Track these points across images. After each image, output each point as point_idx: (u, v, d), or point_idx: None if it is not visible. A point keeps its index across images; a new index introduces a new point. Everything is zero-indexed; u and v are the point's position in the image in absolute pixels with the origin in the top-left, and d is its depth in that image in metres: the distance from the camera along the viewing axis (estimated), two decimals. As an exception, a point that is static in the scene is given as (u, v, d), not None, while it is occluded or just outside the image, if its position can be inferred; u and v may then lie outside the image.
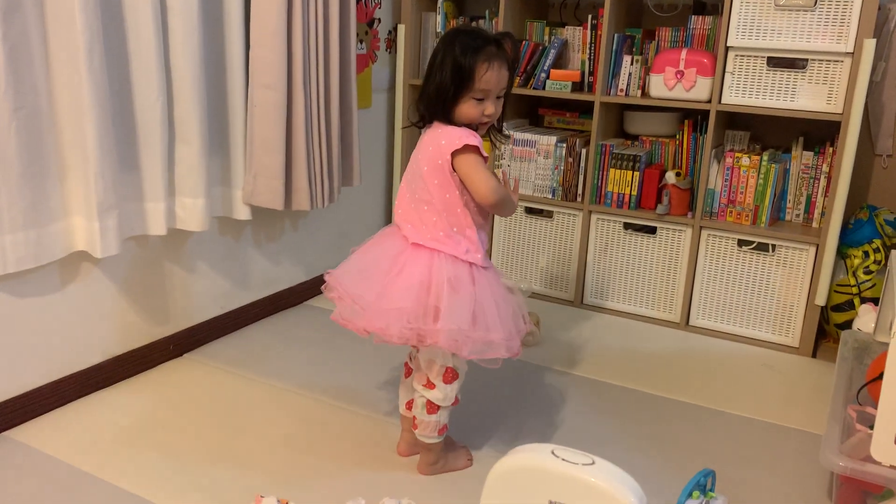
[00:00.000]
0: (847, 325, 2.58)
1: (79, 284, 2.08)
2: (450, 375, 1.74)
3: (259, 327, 2.70)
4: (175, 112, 2.17)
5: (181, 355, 2.43)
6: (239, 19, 2.32)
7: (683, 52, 2.69)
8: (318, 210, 2.67)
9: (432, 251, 1.67)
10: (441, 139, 1.68)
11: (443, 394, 1.74)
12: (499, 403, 2.21)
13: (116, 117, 2.02)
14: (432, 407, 1.75)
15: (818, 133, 2.76)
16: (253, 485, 1.77)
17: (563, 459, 1.15)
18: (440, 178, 1.68)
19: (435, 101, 1.68)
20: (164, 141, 2.11)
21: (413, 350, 1.83)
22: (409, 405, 1.85)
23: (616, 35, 2.84)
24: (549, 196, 3.01)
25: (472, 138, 1.66)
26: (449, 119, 1.69)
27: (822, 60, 2.49)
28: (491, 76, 1.65)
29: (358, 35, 2.97)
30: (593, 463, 1.15)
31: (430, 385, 1.75)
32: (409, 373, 1.87)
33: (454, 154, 1.65)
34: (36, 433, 1.94)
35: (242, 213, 2.48)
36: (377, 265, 1.68)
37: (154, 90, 2.06)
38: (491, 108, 1.69)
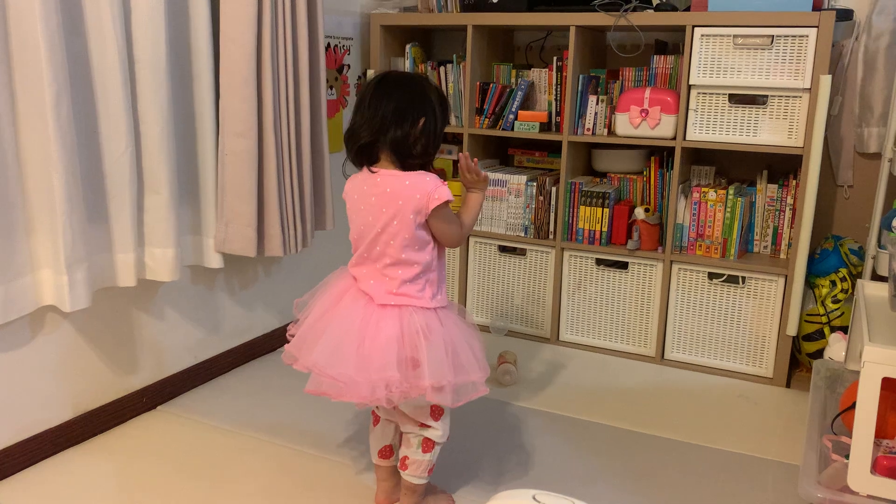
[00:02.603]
0: (819, 354, 2.61)
1: (48, 339, 2.05)
2: (437, 412, 1.73)
3: (233, 376, 2.66)
4: (144, 162, 2.16)
5: (154, 408, 2.39)
6: (208, 69, 2.33)
7: (647, 91, 2.74)
8: (292, 255, 2.66)
9: (400, 307, 1.66)
10: (414, 192, 1.64)
11: (441, 430, 1.74)
12: (477, 445, 2.20)
13: (84, 169, 2.01)
14: (428, 444, 1.74)
15: (781, 166, 2.83)
16: (230, 540, 1.74)
17: (544, 504, 1.15)
18: (411, 231, 1.66)
19: (426, 137, 1.67)
20: (132, 191, 2.10)
21: None
22: (382, 454, 1.83)
23: (581, 76, 2.90)
24: (522, 234, 3.03)
25: (447, 191, 1.66)
26: (433, 154, 1.72)
27: (781, 96, 2.56)
28: None
29: (328, 81, 3.00)
30: (574, 506, 1.15)
31: (424, 426, 1.74)
32: (377, 420, 1.85)
33: (433, 210, 1.66)
34: (6, 495, 1.89)
35: (214, 262, 2.46)
36: (348, 333, 1.64)
37: (122, 141, 2.05)
38: None
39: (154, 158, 2.16)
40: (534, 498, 1.15)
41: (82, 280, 1.96)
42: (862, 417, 1.63)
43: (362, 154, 1.69)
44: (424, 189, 1.64)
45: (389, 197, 1.65)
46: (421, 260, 1.69)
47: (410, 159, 1.67)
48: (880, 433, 1.71)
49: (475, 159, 1.81)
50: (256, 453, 2.13)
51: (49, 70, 1.81)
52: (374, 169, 1.68)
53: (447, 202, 1.66)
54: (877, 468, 1.65)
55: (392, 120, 1.64)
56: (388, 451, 1.83)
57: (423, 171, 1.69)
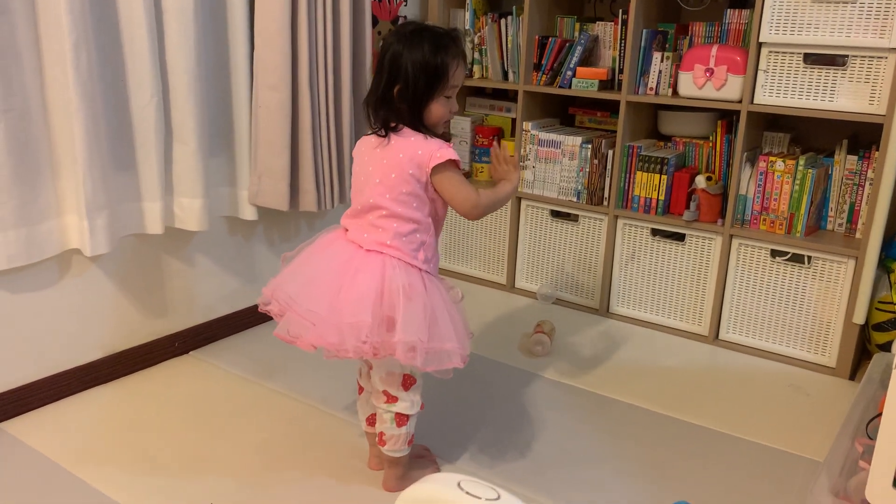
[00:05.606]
0: (890, 346, 2.36)
1: (76, 281, 2.12)
2: (409, 382, 1.67)
3: (270, 327, 2.69)
4: (172, 112, 2.17)
5: (187, 353, 2.45)
6: (243, 20, 2.31)
7: (714, 49, 2.51)
8: (336, 209, 2.64)
9: (384, 256, 1.60)
10: (416, 148, 1.60)
11: (409, 402, 1.68)
12: (494, 414, 2.12)
13: (110, 117, 2.04)
14: (402, 419, 1.69)
15: (867, 136, 2.54)
16: (215, 492, 1.75)
17: (468, 493, 1.07)
18: (410, 187, 1.61)
19: (405, 103, 1.61)
20: (159, 141, 2.12)
21: (363, 366, 1.77)
22: (370, 421, 1.79)
23: (645, 30, 2.69)
24: (574, 199, 2.89)
25: (452, 152, 1.61)
26: (419, 121, 1.63)
27: (863, 57, 2.28)
28: (460, 72, 1.64)
29: (382, 33, 2.93)
30: (498, 497, 1.06)
31: (391, 399, 1.68)
32: (361, 390, 1.82)
33: (434, 168, 1.60)
34: (27, 426, 1.99)
35: (249, 214, 2.48)
36: (326, 273, 1.61)
37: (148, 90, 2.07)
38: (456, 105, 1.67)
39: (182, 108, 2.17)
40: (459, 484, 1.08)
41: (103, 226, 2.01)
42: (889, 423, 1.44)
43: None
44: (428, 147, 1.61)
45: (392, 151, 1.62)
46: (417, 217, 1.63)
47: (396, 115, 1.63)
48: (912, 443, 1.51)
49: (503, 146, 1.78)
50: (270, 406, 2.15)
51: (68, 17, 1.83)
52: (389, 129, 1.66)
53: (451, 161, 1.61)
54: (904, 482, 1.46)
55: (381, 99, 1.63)
56: (375, 419, 1.79)
57: (435, 139, 1.63)
